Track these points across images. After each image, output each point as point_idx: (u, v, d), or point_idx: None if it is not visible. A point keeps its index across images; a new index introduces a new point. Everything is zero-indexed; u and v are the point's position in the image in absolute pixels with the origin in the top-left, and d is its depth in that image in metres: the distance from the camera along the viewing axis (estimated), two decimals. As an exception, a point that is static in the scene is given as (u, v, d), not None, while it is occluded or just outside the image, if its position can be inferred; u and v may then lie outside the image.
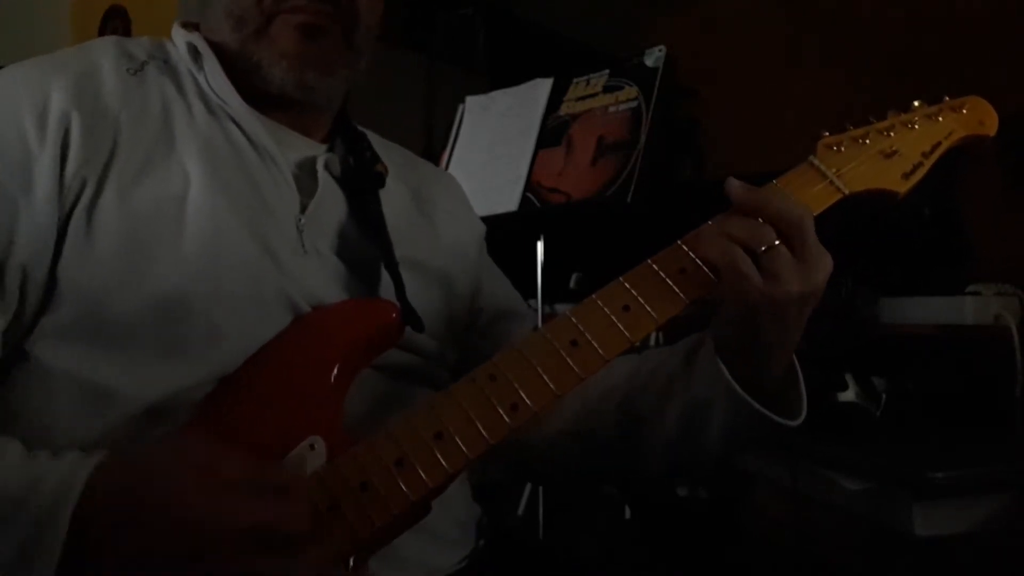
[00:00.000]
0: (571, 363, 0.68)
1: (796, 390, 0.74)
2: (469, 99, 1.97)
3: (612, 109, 1.68)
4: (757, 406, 0.71)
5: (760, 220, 0.68)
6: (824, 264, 0.69)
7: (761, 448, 1.52)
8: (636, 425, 0.80)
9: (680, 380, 0.77)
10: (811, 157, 0.77)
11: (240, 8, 0.79)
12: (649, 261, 0.72)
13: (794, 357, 0.74)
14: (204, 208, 0.72)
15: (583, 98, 1.76)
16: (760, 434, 0.75)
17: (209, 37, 0.82)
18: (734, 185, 0.71)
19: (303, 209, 0.78)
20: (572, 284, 2.02)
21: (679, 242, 0.73)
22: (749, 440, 0.77)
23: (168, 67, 0.80)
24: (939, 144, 0.78)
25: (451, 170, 1.87)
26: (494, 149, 1.84)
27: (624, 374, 0.83)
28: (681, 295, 0.70)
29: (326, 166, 0.82)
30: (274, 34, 0.79)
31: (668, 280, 0.71)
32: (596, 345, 0.69)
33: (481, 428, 0.66)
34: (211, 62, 0.79)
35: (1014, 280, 1.48)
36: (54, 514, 0.56)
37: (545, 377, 0.68)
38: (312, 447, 0.67)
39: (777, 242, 0.67)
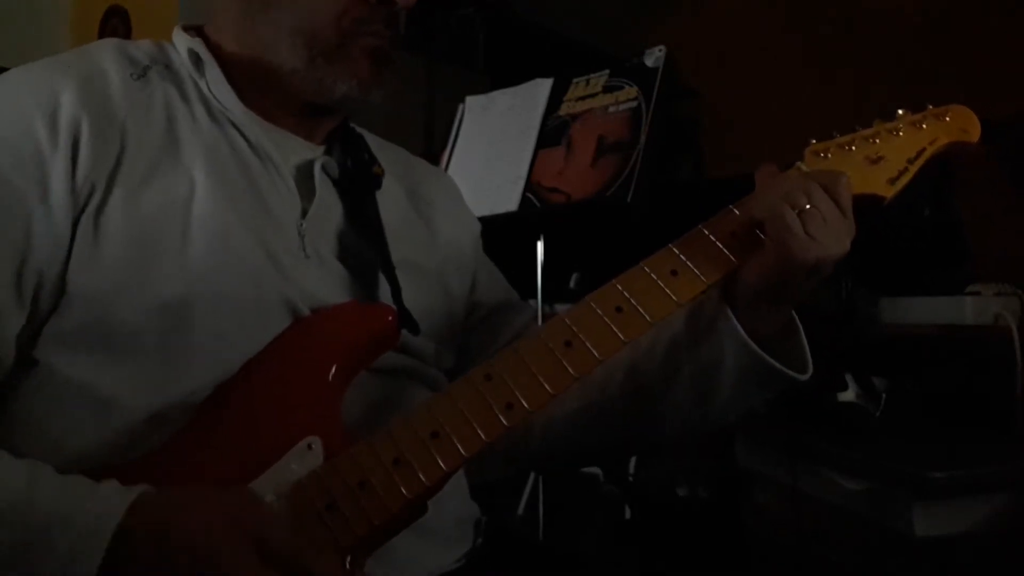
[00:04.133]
0: (565, 363, 0.69)
1: (798, 344, 0.76)
2: (469, 99, 1.97)
3: (612, 109, 1.68)
4: (771, 361, 0.73)
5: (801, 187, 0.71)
6: (851, 229, 0.72)
7: (761, 446, 1.52)
8: (644, 394, 0.81)
9: (684, 343, 0.78)
10: (799, 163, 0.79)
11: (314, 26, 0.78)
12: (642, 264, 0.74)
13: (793, 313, 0.76)
14: (208, 213, 0.72)
15: (583, 98, 1.76)
16: (769, 389, 0.77)
17: (223, 41, 0.82)
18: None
19: (304, 214, 0.79)
20: (572, 284, 2.02)
21: (670, 246, 0.74)
22: (757, 395, 0.78)
23: (170, 72, 0.80)
24: (923, 150, 0.80)
25: (451, 170, 1.87)
26: (494, 149, 1.84)
27: None
28: (673, 297, 0.72)
29: (323, 169, 0.83)
30: (349, 55, 0.79)
31: (659, 282, 0.72)
32: (590, 346, 0.70)
33: (477, 427, 0.67)
34: (212, 68, 0.79)
35: (1014, 280, 1.49)
36: (87, 549, 0.56)
37: (540, 378, 0.69)
38: (309, 447, 0.68)
39: (808, 206, 0.70)
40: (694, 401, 0.78)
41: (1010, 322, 1.41)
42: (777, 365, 0.73)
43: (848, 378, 1.46)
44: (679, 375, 0.78)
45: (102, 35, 2.76)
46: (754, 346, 0.72)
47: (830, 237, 0.70)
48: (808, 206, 0.70)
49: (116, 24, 2.74)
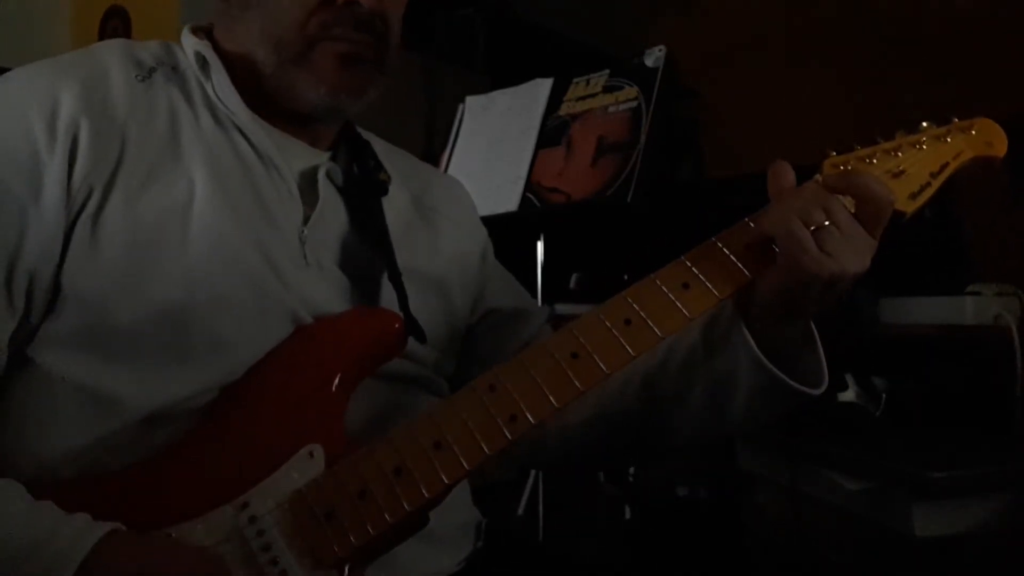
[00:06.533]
0: (571, 376, 0.68)
1: (814, 355, 0.75)
2: (469, 99, 1.97)
3: (612, 109, 1.68)
4: (783, 377, 0.71)
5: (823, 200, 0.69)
6: (871, 247, 0.70)
7: (761, 446, 1.52)
8: (660, 403, 0.80)
9: (701, 354, 0.77)
10: (816, 176, 0.76)
11: (280, 30, 0.77)
12: (653, 276, 0.72)
13: (811, 324, 0.75)
14: (207, 218, 0.72)
15: (583, 98, 1.76)
16: (783, 404, 0.75)
17: (224, 43, 0.82)
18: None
19: (306, 220, 0.78)
20: (572, 284, 2.02)
21: (683, 258, 0.72)
22: (772, 410, 0.77)
23: (176, 74, 0.79)
24: (947, 165, 0.78)
25: (451, 170, 1.87)
26: (494, 149, 1.84)
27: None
28: (685, 311, 0.70)
29: (328, 176, 0.82)
30: (316, 60, 0.77)
31: (671, 295, 0.71)
32: (597, 359, 0.69)
33: (479, 439, 0.66)
34: (219, 72, 0.79)
35: (1014, 280, 1.49)
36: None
37: (544, 389, 0.68)
38: (311, 455, 0.67)
39: (827, 222, 0.68)
40: (709, 412, 0.78)
41: (1010, 322, 1.41)
42: (789, 382, 0.72)
43: (848, 378, 1.46)
44: (695, 386, 0.77)
45: (102, 35, 2.76)
46: (766, 363, 0.71)
47: (848, 253, 0.68)
48: (826, 222, 0.68)
49: (116, 24, 2.74)
